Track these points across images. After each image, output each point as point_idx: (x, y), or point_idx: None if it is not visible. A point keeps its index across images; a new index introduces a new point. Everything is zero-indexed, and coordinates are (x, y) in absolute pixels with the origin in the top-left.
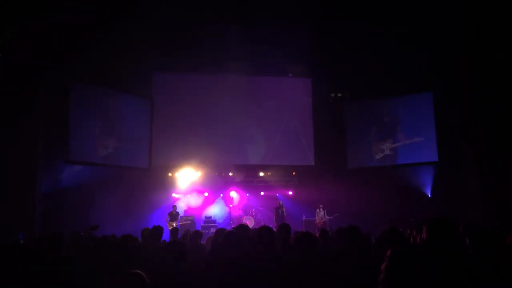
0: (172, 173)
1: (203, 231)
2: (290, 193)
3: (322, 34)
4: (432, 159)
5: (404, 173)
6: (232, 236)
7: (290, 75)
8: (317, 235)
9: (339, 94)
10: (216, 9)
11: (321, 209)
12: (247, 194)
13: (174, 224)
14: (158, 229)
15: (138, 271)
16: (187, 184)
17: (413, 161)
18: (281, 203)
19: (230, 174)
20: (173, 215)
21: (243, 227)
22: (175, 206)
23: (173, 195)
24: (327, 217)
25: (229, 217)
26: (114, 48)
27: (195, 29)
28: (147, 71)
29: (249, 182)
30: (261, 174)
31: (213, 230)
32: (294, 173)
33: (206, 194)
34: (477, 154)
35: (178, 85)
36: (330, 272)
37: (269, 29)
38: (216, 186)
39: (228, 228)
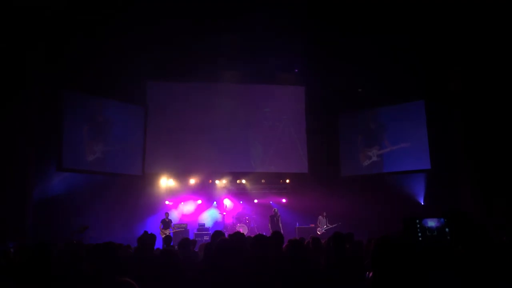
0: (165, 181)
1: (196, 238)
2: (284, 200)
3: (315, 42)
4: (425, 166)
5: (397, 181)
6: (226, 244)
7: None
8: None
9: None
10: (210, 18)
11: (324, 217)
12: (241, 202)
13: (167, 232)
14: (151, 237)
15: (129, 279)
16: (181, 191)
17: (406, 169)
18: (276, 210)
19: (224, 181)
20: (166, 223)
21: (238, 235)
22: (168, 213)
23: (166, 202)
24: (329, 225)
25: (222, 225)
26: (108, 56)
27: (189, 38)
28: (141, 79)
29: (242, 189)
30: (255, 181)
31: (206, 237)
32: (288, 180)
33: (199, 201)
34: (471, 160)
35: (172, 93)
36: (320, 280)
37: (263, 38)
38: (209, 194)
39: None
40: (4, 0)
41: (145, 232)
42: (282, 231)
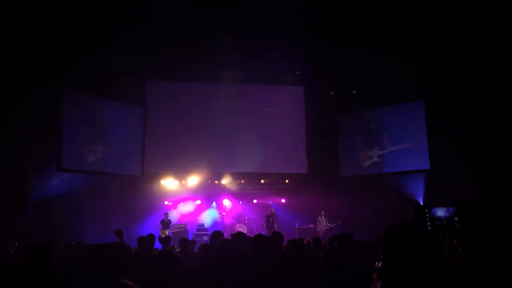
0: (164, 181)
1: (195, 239)
2: (283, 201)
3: (315, 42)
4: (424, 167)
5: (397, 181)
6: (227, 245)
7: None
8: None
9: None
10: (210, 18)
11: (323, 217)
12: (240, 202)
13: (167, 232)
14: (151, 237)
15: (127, 281)
16: (180, 191)
17: (405, 169)
18: (273, 211)
19: (223, 181)
20: (165, 223)
21: (240, 236)
22: (167, 213)
23: (166, 202)
24: (329, 224)
25: (221, 225)
26: (108, 56)
27: (189, 38)
28: (140, 79)
29: (242, 190)
30: (254, 182)
31: (205, 238)
32: (287, 181)
33: (198, 202)
34: (471, 161)
35: (171, 93)
36: (320, 280)
37: (263, 38)
38: (209, 194)
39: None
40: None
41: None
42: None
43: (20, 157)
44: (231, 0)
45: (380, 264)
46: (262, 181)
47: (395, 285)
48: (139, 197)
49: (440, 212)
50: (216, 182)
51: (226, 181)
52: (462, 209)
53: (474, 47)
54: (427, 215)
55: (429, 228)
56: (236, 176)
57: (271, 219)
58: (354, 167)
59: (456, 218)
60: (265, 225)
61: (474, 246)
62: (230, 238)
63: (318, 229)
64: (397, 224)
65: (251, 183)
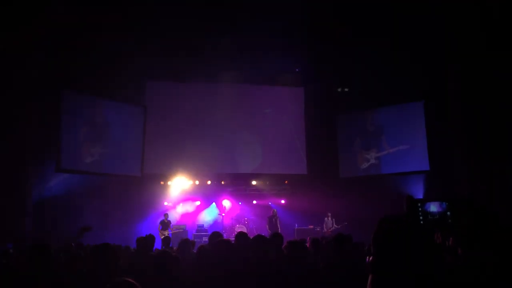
0: (164, 182)
1: (195, 239)
2: (283, 201)
3: (314, 43)
4: (424, 168)
5: (396, 182)
6: (225, 245)
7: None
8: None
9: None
10: (210, 18)
11: (329, 218)
12: (240, 203)
13: (166, 233)
14: (151, 238)
15: (130, 279)
16: (180, 192)
17: (404, 170)
18: (275, 211)
19: (222, 182)
20: (165, 224)
21: (243, 236)
22: (167, 214)
23: (165, 203)
24: (336, 226)
25: (221, 226)
26: (107, 56)
27: (190, 38)
28: (140, 79)
29: (241, 190)
30: (254, 182)
31: (205, 239)
32: (286, 181)
33: (198, 202)
34: (471, 162)
35: (171, 94)
36: (320, 281)
37: (263, 39)
38: (208, 195)
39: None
40: (4, 0)
41: (150, 235)
42: (280, 232)
43: (19, 157)
44: (231, 0)
45: (370, 259)
46: (262, 182)
47: (387, 280)
48: (138, 197)
49: (433, 207)
50: (215, 182)
51: (225, 182)
52: (462, 208)
53: (474, 47)
54: (420, 209)
55: (421, 222)
56: (235, 176)
57: (273, 219)
58: (353, 168)
59: (448, 213)
60: (267, 226)
61: (473, 246)
62: (230, 239)
63: (324, 231)
64: (389, 217)
65: (250, 184)
